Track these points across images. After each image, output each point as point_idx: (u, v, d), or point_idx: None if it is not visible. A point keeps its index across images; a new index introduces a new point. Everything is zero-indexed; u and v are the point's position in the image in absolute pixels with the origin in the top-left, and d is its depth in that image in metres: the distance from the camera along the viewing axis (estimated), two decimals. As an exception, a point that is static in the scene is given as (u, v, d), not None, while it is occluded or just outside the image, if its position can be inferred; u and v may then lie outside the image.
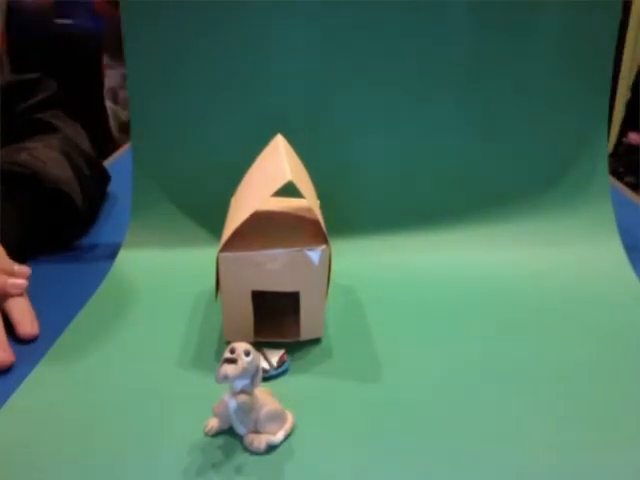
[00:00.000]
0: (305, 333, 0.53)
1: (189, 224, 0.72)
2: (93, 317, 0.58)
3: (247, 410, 0.41)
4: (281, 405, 0.43)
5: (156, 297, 0.62)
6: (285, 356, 0.51)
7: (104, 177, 0.88)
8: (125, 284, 0.64)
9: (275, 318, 0.55)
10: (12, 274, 0.58)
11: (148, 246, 0.70)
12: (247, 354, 0.40)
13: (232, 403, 0.41)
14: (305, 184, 0.53)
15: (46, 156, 0.72)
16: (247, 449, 0.41)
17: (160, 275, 0.66)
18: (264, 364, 0.49)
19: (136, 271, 0.67)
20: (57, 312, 0.59)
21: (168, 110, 0.72)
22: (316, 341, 0.54)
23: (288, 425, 0.43)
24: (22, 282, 0.58)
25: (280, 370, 0.50)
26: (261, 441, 0.41)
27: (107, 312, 0.59)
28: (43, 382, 0.49)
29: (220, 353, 0.41)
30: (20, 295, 0.57)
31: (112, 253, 0.70)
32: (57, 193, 0.71)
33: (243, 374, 0.40)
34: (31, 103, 0.81)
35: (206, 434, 0.43)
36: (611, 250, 0.70)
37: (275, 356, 0.50)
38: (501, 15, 0.69)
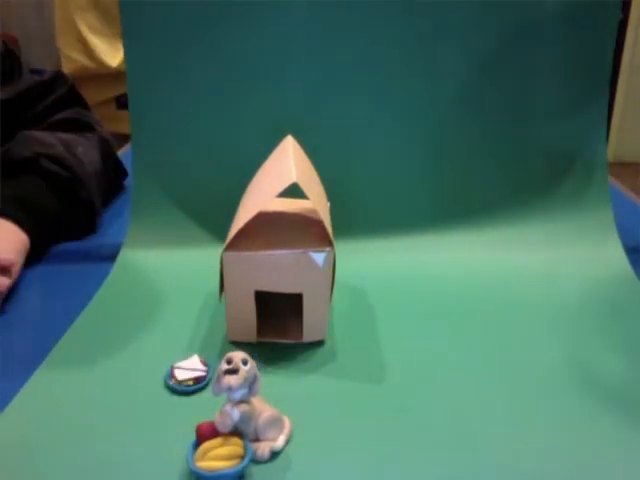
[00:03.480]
0: (308, 335, 0.53)
1: (190, 224, 0.72)
2: (95, 318, 0.58)
3: (248, 419, 0.41)
4: (277, 410, 0.43)
5: (158, 297, 0.62)
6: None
7: (122, 174, 0.91)
8: (126, 285, 0.64)
9: (278, 319, 0.55)
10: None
11: (149, 246, 0.70)
12: (245, 363, 0.40)
13: (235, 413, 0.40)
14: (314, 186, 0.53)
15: (89, 160, 0.77)
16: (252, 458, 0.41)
17: (161, 275, 0.66)
18: (202, 371, 0.49)
19: (137, 271, 0.67)
20: (58, 313, 0.59)
21: (168, 110, 0.71)
22: (320, 342, 0.54)
23: (287, 430, 0.43)
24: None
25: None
26: (265, 449, 0.41)
27: (109, 313, 0.59)
28: (45, 384, 0.49)
29: (223, 353, 0.41)
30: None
31: (113, 253, 0.70)
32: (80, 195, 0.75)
33: (245, 383, 0.40)
34: (49, 102, 0.82)
35: None
36: (611, 251, 0.70)
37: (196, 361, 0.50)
38: (501, 15, 0.69)
